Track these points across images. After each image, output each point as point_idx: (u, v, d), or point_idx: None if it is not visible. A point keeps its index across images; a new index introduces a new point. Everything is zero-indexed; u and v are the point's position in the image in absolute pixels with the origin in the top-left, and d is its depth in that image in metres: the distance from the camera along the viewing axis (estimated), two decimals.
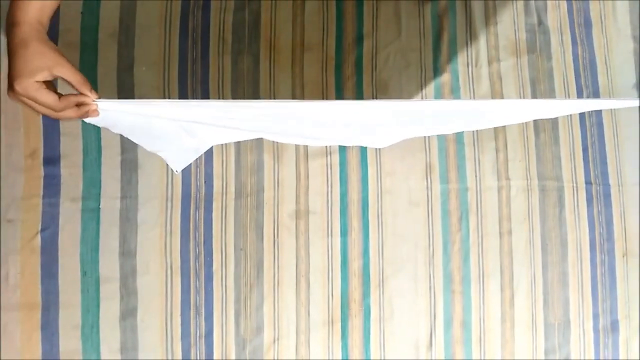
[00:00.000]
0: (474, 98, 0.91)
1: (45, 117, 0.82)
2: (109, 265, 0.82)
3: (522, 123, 0.92)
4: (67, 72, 0.50)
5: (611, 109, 0.93)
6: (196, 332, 0.82)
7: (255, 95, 0.88)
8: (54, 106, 0.50)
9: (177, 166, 0.83)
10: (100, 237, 0.82)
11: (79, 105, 0.51)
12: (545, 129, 0.93)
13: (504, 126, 0.91)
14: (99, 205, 0.83)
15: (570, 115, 0.93)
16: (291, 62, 0.89)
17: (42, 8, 0.50)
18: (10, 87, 0.48)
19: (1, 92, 0.83)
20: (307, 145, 0.88)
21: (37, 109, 0.50)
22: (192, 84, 0.87)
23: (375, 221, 0.87)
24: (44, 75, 0.49)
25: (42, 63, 0.49)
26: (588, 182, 0.91)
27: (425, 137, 0.90)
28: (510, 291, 0.87)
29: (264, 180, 0.87)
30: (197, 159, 0.85)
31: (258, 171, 0.87)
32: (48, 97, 0.49)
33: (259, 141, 0.87)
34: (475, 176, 0.90)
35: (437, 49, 0.92)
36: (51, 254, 0.81)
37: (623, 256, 0.91)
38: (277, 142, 0.87)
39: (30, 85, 0.48)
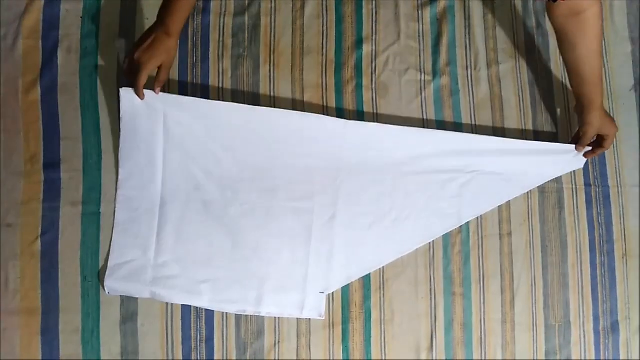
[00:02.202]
0: (473, 101, 0.91)
1: (44, 122, 0.83)
2: None
3: (521, 124, 0.92)
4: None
5: (610, 108, 0.93)
6: (197, 336, 0.82)
7: (255, 99, 0.88)
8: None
9: None
10: (101, 242, 0.82)
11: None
12: (544, 130, 0.93)
13: (504, 128, 0.91)
14: (100, 209, 0.82)
15: (569, 116, 0.93)
16: (291, 66, 0.90)
17: (183, 21, 0.77)
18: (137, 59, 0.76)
19: (1, 97, 0.83)
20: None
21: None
22: (193, 87, 0.87)
23: None
24: (156, 66, 0.77)
25: (162, 60, 0.77)
26: (587, 184, 0.92)
27: None
28: (510, 293, 0.88)
29: None
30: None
31: None
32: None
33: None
34: None
35: (436, 52, 0.92)
36: (51, 259, 0.81)
37: (623, 257, 0.91)
38: None
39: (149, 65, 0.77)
